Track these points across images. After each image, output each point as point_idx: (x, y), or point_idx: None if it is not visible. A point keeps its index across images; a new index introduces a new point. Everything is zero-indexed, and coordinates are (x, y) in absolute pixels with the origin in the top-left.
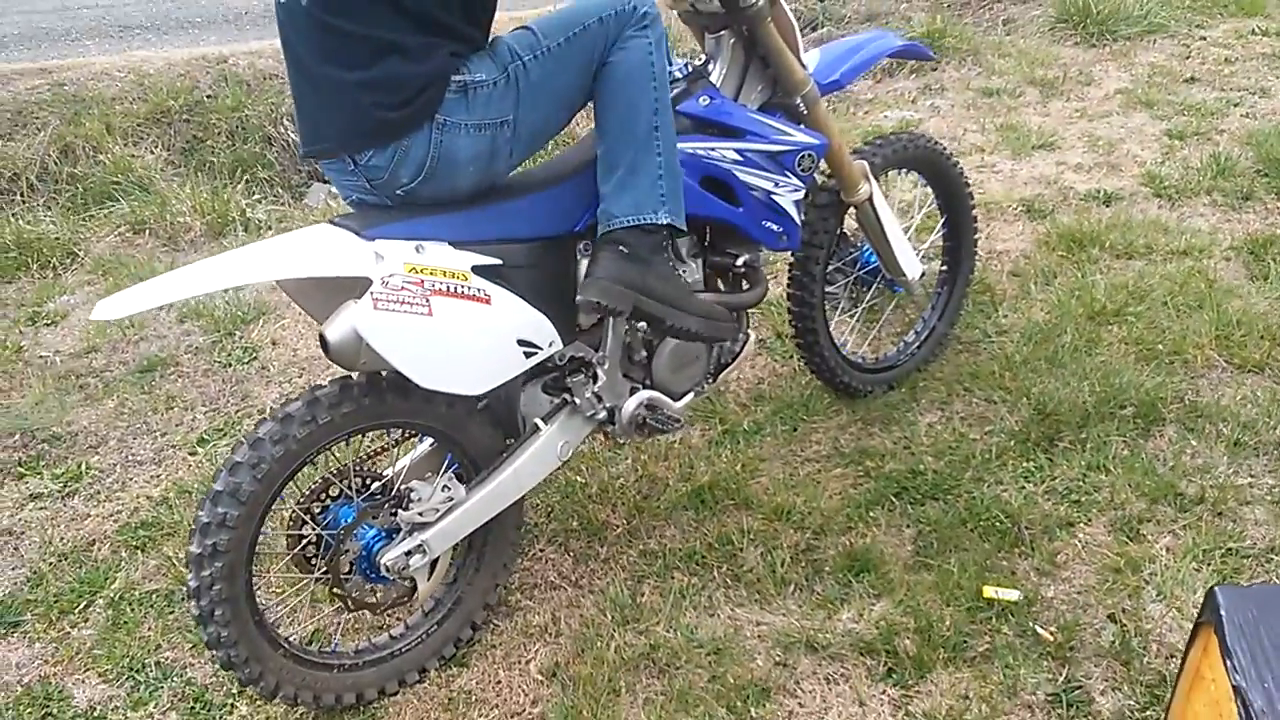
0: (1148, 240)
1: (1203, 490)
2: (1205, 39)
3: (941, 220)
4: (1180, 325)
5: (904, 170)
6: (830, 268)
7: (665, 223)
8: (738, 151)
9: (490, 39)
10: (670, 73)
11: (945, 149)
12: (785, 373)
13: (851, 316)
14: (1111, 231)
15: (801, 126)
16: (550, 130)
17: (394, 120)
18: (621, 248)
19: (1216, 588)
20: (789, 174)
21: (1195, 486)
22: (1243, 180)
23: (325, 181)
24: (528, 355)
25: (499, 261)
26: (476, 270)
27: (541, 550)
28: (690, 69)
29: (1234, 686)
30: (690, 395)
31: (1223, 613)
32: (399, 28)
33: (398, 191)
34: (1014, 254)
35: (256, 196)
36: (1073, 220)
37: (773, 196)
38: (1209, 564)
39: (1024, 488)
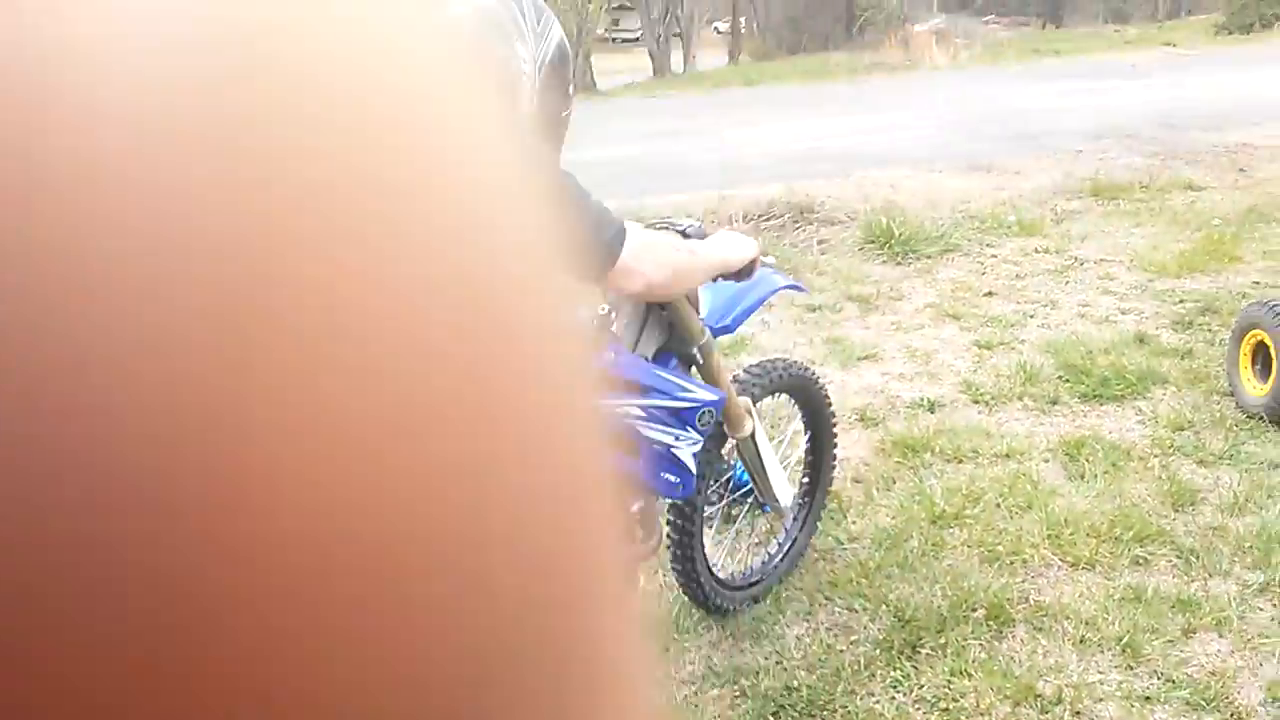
0: (973, 445)
1: (1059, 690)
2: (996, 256)
3: (805, 437)
4: (1014, 526)
5: (777, 395)
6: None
7: None
8: (641, 408)
9: None
10: None
11: (814, 373)
12: (650, 589)
13: (722, 535)
14: (939, 437)
15: (698, 379)
16: None
17: None
18: None
19: None
20: (689, 428)
21: (1052, 686)
22: (1048, 386)
23: None
24: None
25: None
26: None
27: None
28: (594, 322)
29: None
30: None
31: None
32: None
33: None
34: (854, 461)
35: None
36: (903, 427)
37: (672, 450)
38: None
39: (894, 698)
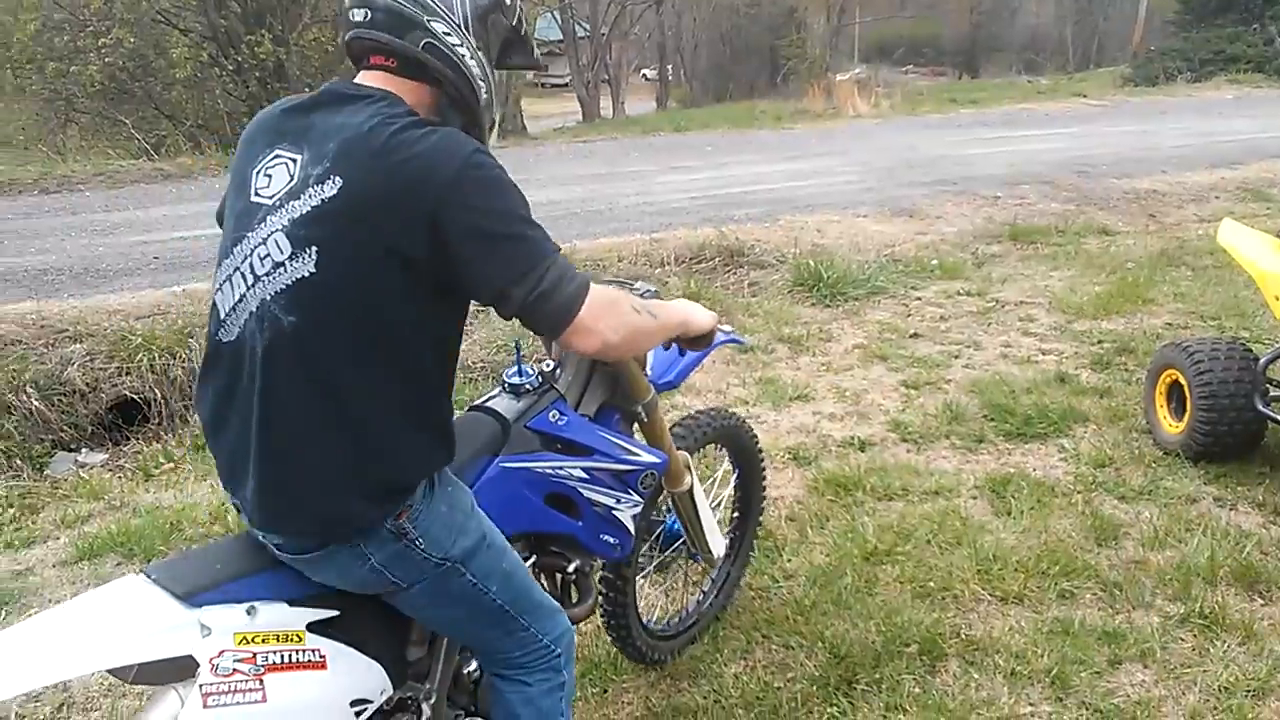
0: (903, 483)
1: None
2: (920, 299)
3: (734, 474)
4: (945, 562)
5: (712, 445)
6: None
7: None
8: (585, 470)
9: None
10: (521, 384)
11: (743, 419)
12: (589, 631)
13: (657, 582)
14: (870, 475)
15: (641, 439)
16: None
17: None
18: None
19: None
20: (631, 491)
21: (984, 719)
22: (974, 425)
23: (70, 450)
24: (359, 715)
25: (337, 612)
26: (312, 627)
27: None
28: (540, 379)
29: None
30: None
31: None
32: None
33: None
34: (788, 500)
35: None
36: (835, 466)
37: (613, 511)
38: None
39: None
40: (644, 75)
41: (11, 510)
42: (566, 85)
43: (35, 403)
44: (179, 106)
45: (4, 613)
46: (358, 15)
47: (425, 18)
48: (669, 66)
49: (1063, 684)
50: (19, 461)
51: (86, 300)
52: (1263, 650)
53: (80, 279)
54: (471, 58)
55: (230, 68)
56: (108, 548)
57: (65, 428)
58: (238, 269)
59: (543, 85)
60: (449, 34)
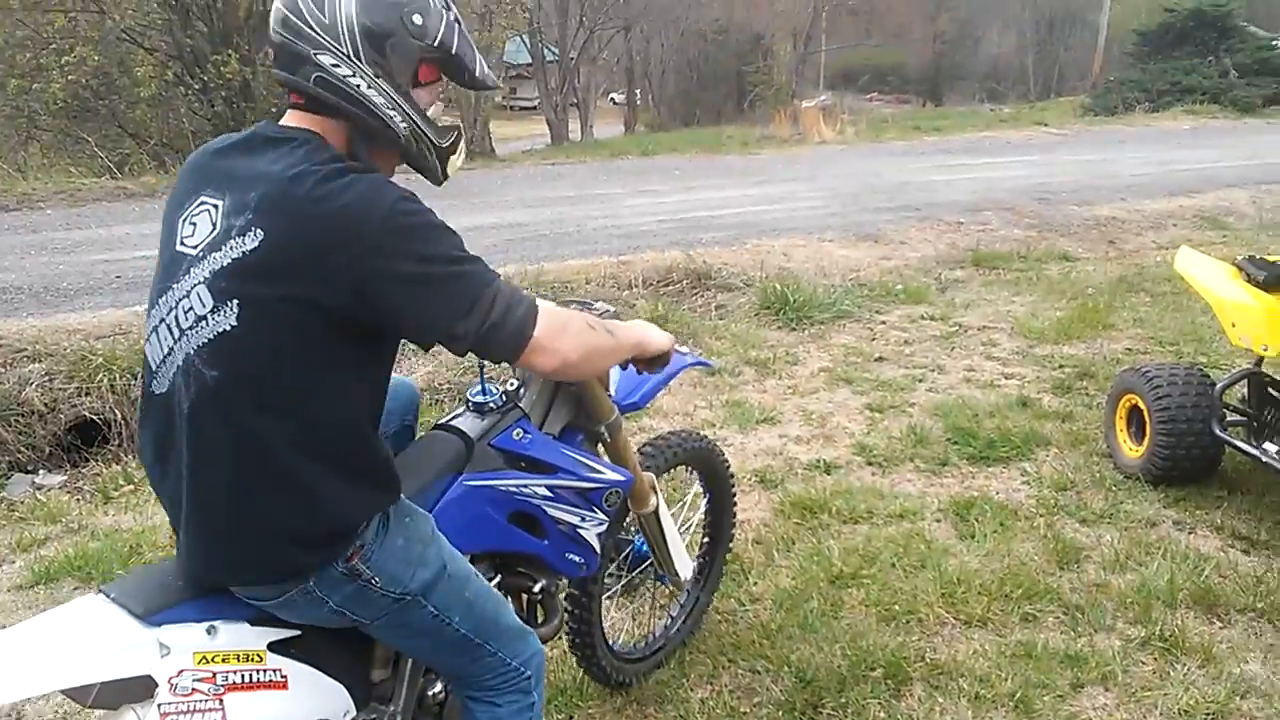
0: (868, 505)
1: None
2: (885, 323)
3: (705, 498)
4: (910, 585)
5: (681, 467)
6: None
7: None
8: (549, 488)
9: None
10: (485, 402)
11: (714, 443)
12: (555, 656)
13: (624, 605)
14: (836, 498)
15: (605, 458)
16: None
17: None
18: None
19: None
20: (596, 509)
21: None
22: (938, 448)
23: (27, 472)
24: None
25: (298, 632)
26: (273, 647)
27: None
28: (504, 397)
29: None
30: None
31: None
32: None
33: None
34: (755, 523)
35: None
36: (801, 489)
37: (578, 530)
38: None
39: None
40: (612, 99)
41: None
42: (535, 108)
43: None
44: (143, 125)
45: None
46: (271, 55)
47: (311, 51)
48: (637, 91)
49: (1026, 708)
50: None
51: (46, 319)
52: (1222, 673)
53: (40, 298)
54: (369, 87)
55: (196, 87)
56: (65, 571)
57: (22, 449)
58: (164, 320)
59: (511, 108)
60: (337, 65)
